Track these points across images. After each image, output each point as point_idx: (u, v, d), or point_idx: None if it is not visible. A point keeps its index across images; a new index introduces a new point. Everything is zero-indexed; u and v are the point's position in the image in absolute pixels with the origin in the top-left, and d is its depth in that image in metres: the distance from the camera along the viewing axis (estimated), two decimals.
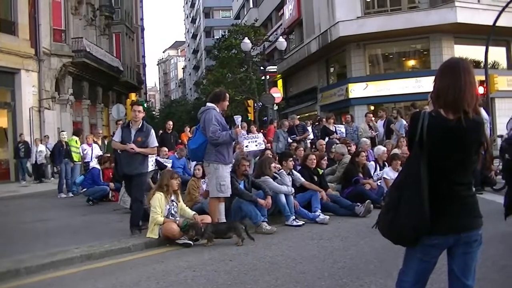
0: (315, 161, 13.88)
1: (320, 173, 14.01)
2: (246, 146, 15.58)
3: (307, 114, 47.36)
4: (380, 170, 15.33)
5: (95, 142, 22.44)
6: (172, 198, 10.85)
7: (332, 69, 47.54)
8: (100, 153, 21.37)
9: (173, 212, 10.76)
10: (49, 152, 27.49)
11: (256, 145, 15.81)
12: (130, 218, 11.54)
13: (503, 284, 7.18)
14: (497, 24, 30.41)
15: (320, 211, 12.71)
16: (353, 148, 16.94)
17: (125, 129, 11.66)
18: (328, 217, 12.45)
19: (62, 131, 23.92)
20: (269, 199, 11.83)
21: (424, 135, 4.01)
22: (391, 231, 4.17)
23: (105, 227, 11.71)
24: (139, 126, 11.49)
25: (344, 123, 23.39)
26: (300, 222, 12.12)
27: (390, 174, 14.52)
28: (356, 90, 40.50)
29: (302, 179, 13.30)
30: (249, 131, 20.73)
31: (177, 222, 10.54)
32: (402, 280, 4.35)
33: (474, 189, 12.29)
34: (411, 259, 4.27)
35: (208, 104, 10.93)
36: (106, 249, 9.93)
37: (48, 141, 29.60)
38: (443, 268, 4.37)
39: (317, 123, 24.31)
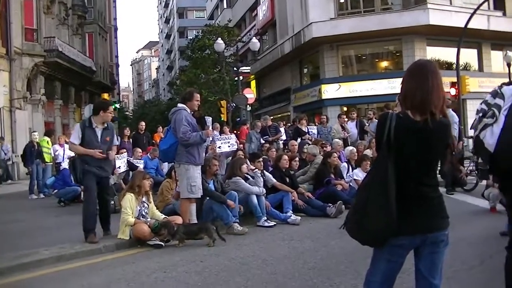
0: (288, 161, 13.89)
1: (292, 174, 14.05)
2: (219, 147, 15.62)
3: (280, 115, 47.49)
4: (353, 171, 15.37)
5: (67, 143, 22.23)
6: (143, 199, 10.79)
7: (305, 70, 47.68)
8: (72, 154, 21.18)
9: (143, 213, 10.70)
10: (3, 154, 27.37)
11: (229, 146, 15.82)
12: (87, 221, 10.69)
13: (471, 284, 7.23)
14: (469, 26, 30.63)
15: (291, 211, 12.73)
16: (329, 148, 16.98)
17: (88, 129, 10.63)
18: (299, 218, 12.45)
19: (33, 132, 23.75)
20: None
21: (391, 136, 4.03)
22: (358, 232, 4.18)
23: (77, 228, 11.58)
24: (105, 125, 10.95)
25: (318, 124, 23.45)
26: (272, 223, 12.13)
27: (359, 175, 14.58)
28: (329, 91, 40.63)
29: (274, 180, 13.30)
30: (221, 132, 20.70)
31: (148, 223, 10.48)
32: (369, 280, 4.36)
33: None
34: (378, 259, 4.28)
35: (179, 105, 10.92)
36: (77, 250, 9.84)
37: (4, 143, 29.18)
38: (412, 268, 4.38)
39: (290, 124, 24.38)
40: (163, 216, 11.00)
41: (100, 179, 10.76)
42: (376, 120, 20.33)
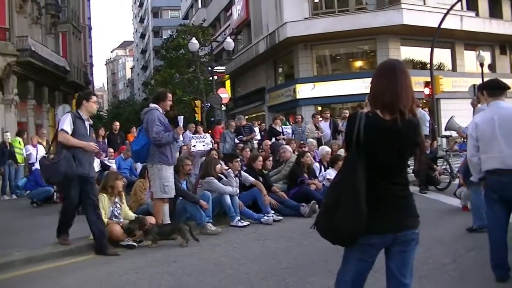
0: (261, 162, 13.88)
1: (265, 173, 14.04)
2: (194, 146, 15.62)
3: (255, 115, 47.50)
4: (325, 170, 15.37)
5: (40, 143, 22.03)
6: (116, 200, 10.73)
7: (280, 70, 47.78)
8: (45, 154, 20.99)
9: (116, 213, 10.64)
10: None
11: (204, 145, 15.80)
12: (62, 228, 10.12)
13: (443, 282, 7.24)
14: (442, 26, 30.86)
15: (272, 211, 12.74)
16: (307, 148, 16.94)
17: (79, 120, 9.74)
18: (272, 217, 12.44)
19: (5, 132, 23.47)
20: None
21: (361, 135, 4.02)
22: (329, 232, 4.17)
23: (49, 229, 11.49)
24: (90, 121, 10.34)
25: (292, 123, 23.45)
26: (245, 223, 12.11)
27: (333, 174, 14.54)
28: (304, 90, 40.74)
29: (252, 178, 13.27)
30: (196, 132, 20.66)
31: (121, 224, 10.42)
32: (340, 279, 4.36)
33: (418, 188, 12.69)
34: (349, 258, 4.28)
35: (151, 105, 10.85)
36: (48, 252, 9.74)
37: None
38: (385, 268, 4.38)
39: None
40: (136, 216, 10.94)
41: (87, 180, 9.88)
42: None
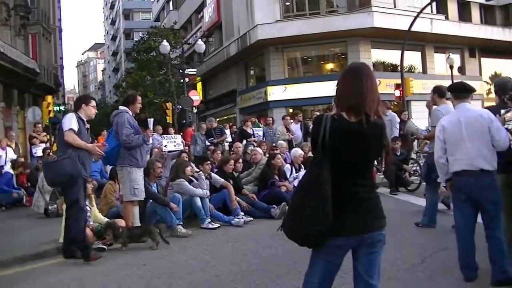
0: (232, 166, 13.88)
1: (236, 176, 14.03)
2: (165, 146, 15.57)
3: (226, 117, 47.50)
4: (296, 172, 15.39)
5: (9, 146, 21.79)
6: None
7: (251, 72, 47.81)
8: (14, 157, 20.72)
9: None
10: None
11: (175, 146, 15.80)
12: (76, 240, 9.39)
13: (412, 283, 7.30)
14: (412, 29, 31.18)
15: (242, 213, 12.76)
16: (278, 150, 16.95)
17: (81, 122, 9.40)
18: (243, 219, 12.44)
19: None
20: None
21: (326, 137, 4.05)
22: (295, 234, 4.19)
23: (18, 233, 11.41)
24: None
25: (264, 125, 23.46)
26: (216, 225, 12.08)
27: None
28: (275, 93, 40.81)
29: (222, 180, 13.25)
30: (167, 133, 20.60)
31: (91, 227, 10.35)
32: (308, 281, 4.37)
33: (389, 190, 12.87)
34: (316, 260, 4.30)
35: (121, 107, 10.76)
36: (17, 255, 9.63)
37: None
38: None
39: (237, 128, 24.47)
40: (106, 219, 10.87)
41: (86, 183, 9.63)
42: None
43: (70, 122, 9.17)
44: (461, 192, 7.14)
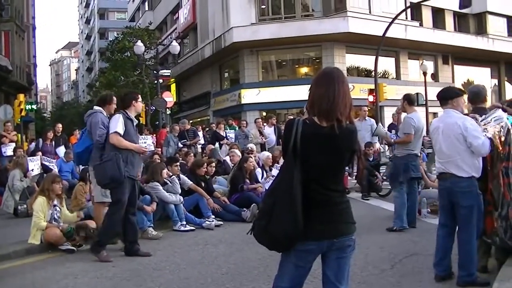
0: (205, 169, 13.87)
1: (207, 178, 14.02)
2: None
3: (200, 119, 47.44)
4: (267, 176, 15.40)
5: None
6: (55, 202, 10.57)
7: (225, 75, 47.81)
8: None
9: (56, 217, 10.48)
10: None
11: (146, 146, 15.66)
12: (107, 237, 9.62)
13: (377, 287, 7.33)
14: (387, 35, 31.35)
15: (213, 216, 12.75)
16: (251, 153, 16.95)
17: (128, 121, 9.56)
18: (214, 222, 12.44)
19: None
20: (154, 204, 11.74)
21: (298, 141, 4.04)
22: (264, 237, 4.19)
23: None
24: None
25: (237, 128, 23.46)
26: (188, 227, 12.04)
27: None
28: (249, 95, 40.79)
29: (190, 182, 13.23)
30: (141, 134, 20.53)
31: (60, 227, 10.26)
32: (277, 285, 4.38)
33: (361, 195, 12.98)
34: (286, 264, 4.30)
35: (95, 107, 10.66)
36: None
37: None
38: None
39: (208, 129, 24.41)
40: (78, 218, 10.82)
41: (133, 184, 9.72)
42: None
43: (116, 124, 9.33)
44: (441, 195, 7.48)
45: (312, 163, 4.09)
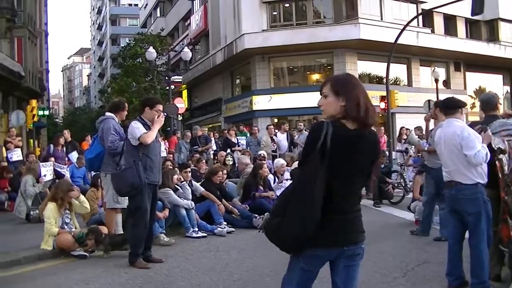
0: (221, 177, 13.89)
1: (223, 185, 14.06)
2: None
3: (211, 125, 47.44)
4: (279, 183, 15.37)
5: None
6: (66, 207, 10.63)
7: (237, 81, 47.78)
8: None
9: (67, 221, 10.52)
10: None
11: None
12: (138, 247, 9.44)
13: None
14: (399, 42, 31.24)
15: (225, 223, 12.76)
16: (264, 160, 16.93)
17: (146, 127, 9.45)
18: (226, 229, 12.46)
19: None
20: (166, 211, 11.75)
21: (327, 143, 4.02)
22: (275, 237, 4.19)
23: None
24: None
25: (249, 134, 23.44)
26: (200, 234, 12.05)
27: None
28: (260, 102, 40.76)
29: (202, 189, 13.25)
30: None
31: (72, 233, 10.29)
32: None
33: (372, 202, 12.91)
34: (294, 268, 4.32)
35: (107, 113, 10.68)
36: None
37: None
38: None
39: (219, 135, 24.42)
40: (90, 227, 10.84)
41: (154, 191, 9.81)
42: (305, 132, 20.34)
43: (139, 130, 9.26)
44: (447, 203, 7.56)
45: (337, 165, 4.07)
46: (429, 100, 33.20)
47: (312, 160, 4.10)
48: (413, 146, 17.64)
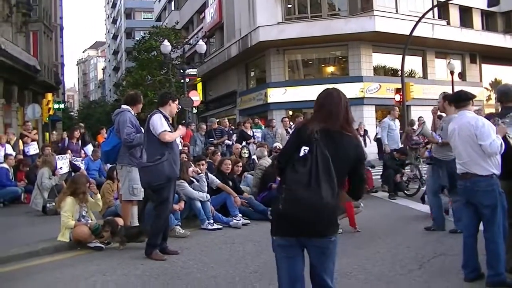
0: (230, 166, 13.86)
1: (234, 178, 14.04)
2: None
3: (226, 118, 47.44)
4: None
5: (8, 143, 21.67)
6: (87, 200, 10.71)
7: (251, 74, 47.79)
8: (13, 153, 20.56)
9: (83, 213, 10.57)
10: None
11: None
12: (157, 237, 9.52)
13: (405, 287, 7.30)
14: (414, 34, 31.12)
15: (240, 215, 12.73)
16: None
17: (167, 120, 9.58)
18: (241, 221, 12.45)
19: None
20: (182, 203, 11.78)
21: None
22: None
23: (15, 230, 11.38)
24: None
25: (265, 127, 23.38)
26: (215, 226, 12.06)
27: None
28: (275, 94, 40.81)
29: (218, 181, 13.22)
30: None
31: (88, 225, 10.34)
32: (280, 283, 4.75)
33: (388, 194, 12.85)
34: (278, 260, 4.72)
35: (123, 106, 10.70)
36: (14, 253, 9.59)
37: None
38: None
39: (235, 128, 24.40)
40: (106, 218, 10.88)
41: (174, 184, 9.97)
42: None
43: (162, 124, 9.31)
44: (462, 196, 7.52)
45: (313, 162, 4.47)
46: (444, 92, 33.01)
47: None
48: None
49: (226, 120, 24.31)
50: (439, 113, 12.32)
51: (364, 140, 24.08)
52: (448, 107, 10.46)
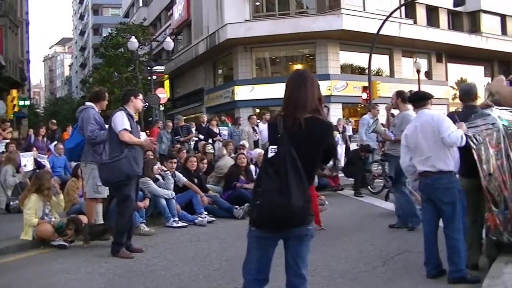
0: (195, 163, 13.85)
1: (200, 175, 14.03)
2: None
3: (193, 116, 47.41)
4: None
5: None
6: (51, 197, 10.62)
7: (219, 71, 47.82)
8: None
9: (47, 211, 10.48)
10: None
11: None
12: (122, 236, 9.42)
13: (373, 285, 7.40)
14: (381, 32, 31.37)
15: (205, 213, 12.71)
16: (246, 151, 16.92)
17: (130, 117, 9.42)
18: (206, 218, 12.46)
19: None
20: (146, 201, 11.74)
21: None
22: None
23: None
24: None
25: (232, 125, 23.39)
26: (180, 224, 12.05)
27: None
28: (242, 92, 40.85)
29: (185, 179, 13.21)
30: None
31: (52, 223, 10.25)
32: (246, 268, 4.81)
33: (354, 191, 12.99)
34: (251, 249, 4.73)
35: (87, 103, 10.64)
36: None
37: None
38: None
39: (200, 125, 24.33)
40: (70, 216, 10.80)
41: (137, 182, 9.84)
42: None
43: (122, 122, 9.20)
44: (423, 193, 7.66)
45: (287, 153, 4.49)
46: (411, 91, 33.22)
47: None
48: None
49: (205, 117, 24.18)
50: (392, 110, 12.53)
51: (344, 138, 24.06)
52: (401, 104, 10.76)
